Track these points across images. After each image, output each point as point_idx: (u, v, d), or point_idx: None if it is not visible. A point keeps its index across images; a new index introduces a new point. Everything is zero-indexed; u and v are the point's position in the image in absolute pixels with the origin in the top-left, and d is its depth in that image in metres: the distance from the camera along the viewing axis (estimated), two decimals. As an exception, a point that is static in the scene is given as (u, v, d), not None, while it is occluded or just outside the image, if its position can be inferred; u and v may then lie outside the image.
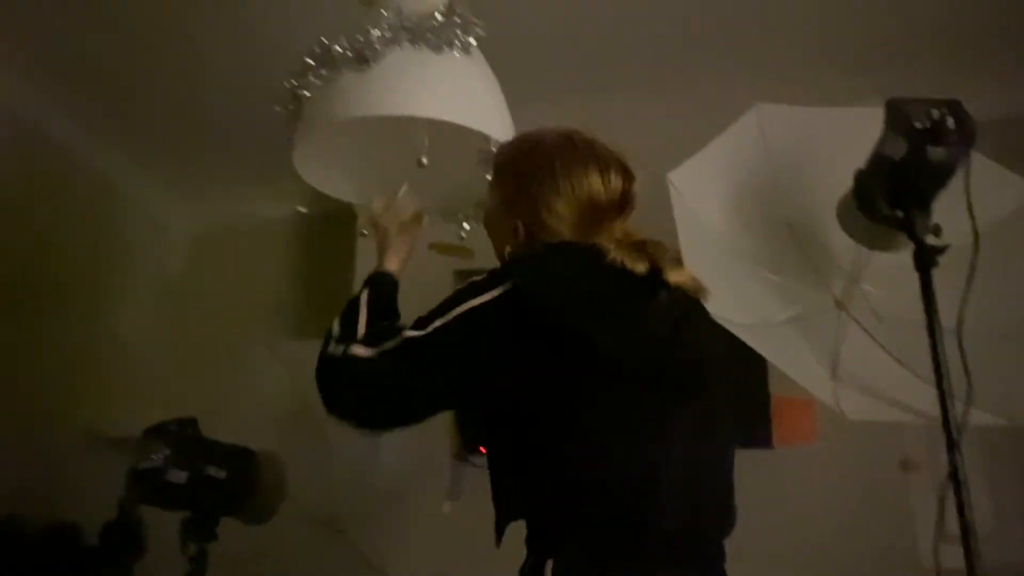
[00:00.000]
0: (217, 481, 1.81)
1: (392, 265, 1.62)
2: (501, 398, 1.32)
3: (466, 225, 1.91)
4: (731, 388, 1.51)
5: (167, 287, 4.06)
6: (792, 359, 1.68)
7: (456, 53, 1.70)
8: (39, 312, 3.31)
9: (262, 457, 1.93)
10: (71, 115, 3.48)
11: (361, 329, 1.39)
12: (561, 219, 1.44)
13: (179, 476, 1.74)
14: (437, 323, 1.29)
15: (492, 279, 1.33)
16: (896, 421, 1.69)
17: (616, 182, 1.48)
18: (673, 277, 1.39)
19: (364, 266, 3.44)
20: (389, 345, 1.30)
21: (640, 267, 1.38)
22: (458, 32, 1.70)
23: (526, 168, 1.50)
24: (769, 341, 1.68)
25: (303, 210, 1.80)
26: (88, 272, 3.62)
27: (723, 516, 1.40)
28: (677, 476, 1.31)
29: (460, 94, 1.71)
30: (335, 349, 1.36)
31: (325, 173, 1.92)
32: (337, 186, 1.96)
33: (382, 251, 1.65)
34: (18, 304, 3.20)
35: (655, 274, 1.38)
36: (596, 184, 1.47)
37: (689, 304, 1.42)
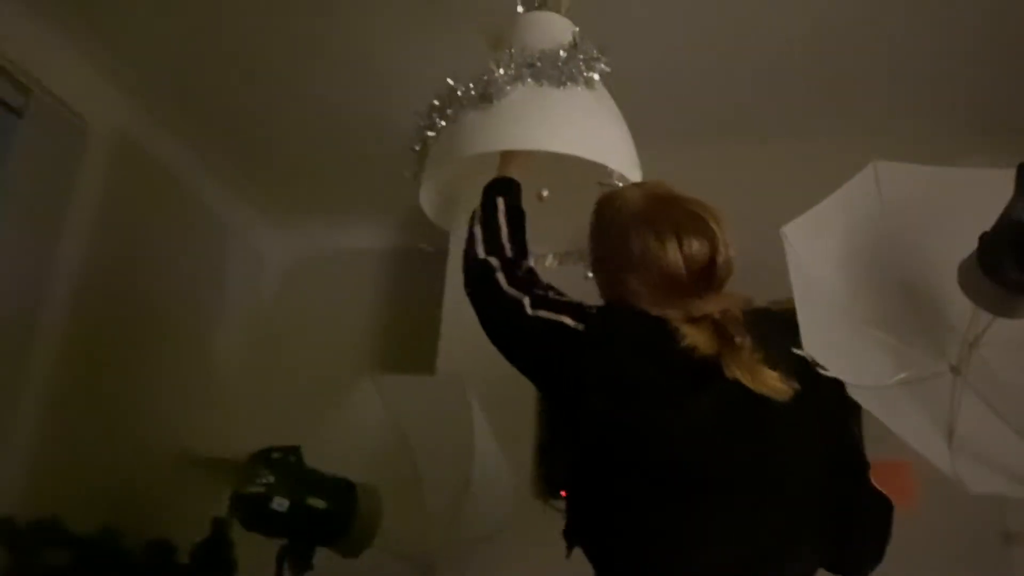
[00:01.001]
0: (317, 511, 1.83)
1: (515, 172, 1.66)
2: (555, 406, 1.50)
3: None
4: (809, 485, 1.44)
5: (261, 315, 4.16)
6: (906, 423, 1.63)
7: (580, 88, 1.71)
8: (142, 333, 3.42)
9: (361, 490, 1.95)
10: (178, 140, 3.62)
11: (507, 246, 1.53)
12: (637, 295, 1.43)
13: (281, 504, 1.77)
14: (542, 313, 1.39)
15: (587, 314, 1.39)
16: (1021, 497, 1.62)
17: (699, 252, 1.45)
18: (739, 375, 1.35)
19: (453, 300, 3.49)
20: (513, 293, 1.44)
21: (708, 349, 1.36)
22: (581, 67, 1.71)
23: (604, 243, 1.51)
24: (881, 403, 1.64)
25: (427, 248, 1.84)
26: (189, 296, 3.74)
27: None
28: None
29: (583, 128, 1.71)
30: (484, 255, 1.52)
31: (445, 209, 1.95)
32: (456, 222, 1.99)
33: (507, 158, 1.69)
34: (122, 324, 3.31)
35: (716, 365, 1.35)
36: (672, 257, 1.44)
37: (746, 404, 1.35)
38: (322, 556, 1.95)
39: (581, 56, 1.70)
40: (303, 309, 4.09)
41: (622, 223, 1.47)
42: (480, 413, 2.26)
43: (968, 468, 1.57)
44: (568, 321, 1.36)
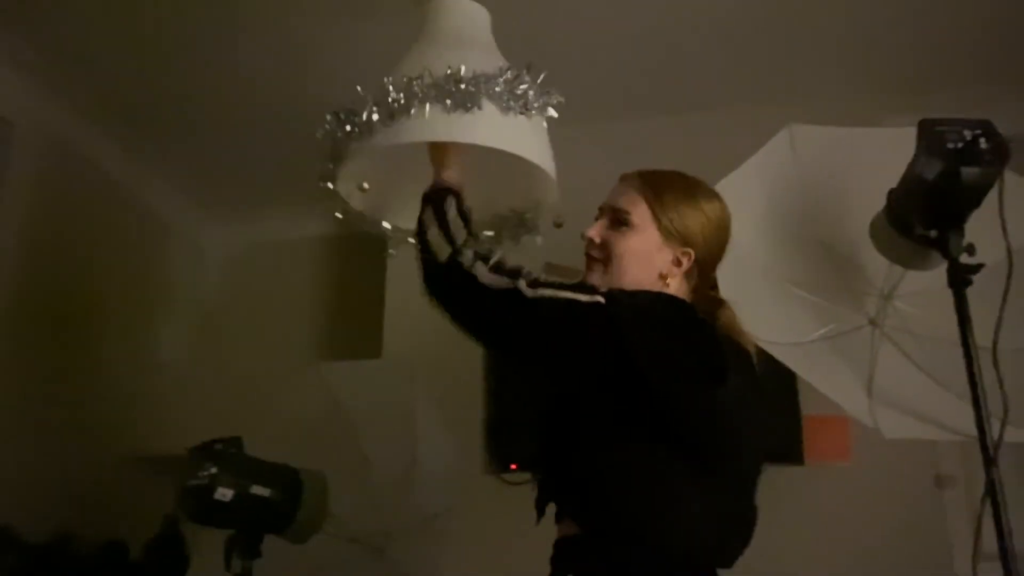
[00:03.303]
0: (263, 499, 1.84)
1: (454, 177, 1.56)
2: (570, 382, 1.39)
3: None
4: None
5: (204, 308, 4.13)
6: (826, 377, 1.69)
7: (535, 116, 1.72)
8: (82, 334, 3.38)
9: (305, 476, 1.97)
10: (107, 139, 3.56)
11: (470, 242, 1.42)
12: (679, 278, 1.46)
13: (226, 494, 1.78)
14: (545, 292, 1.33)
15: (592, 290, 1.36)
16: (931, 438, 1.70)
17: None
18: (752, 351, 1.42)
19: (395, 286, 3.50)
20: (500, 283, 1.35)
21: (736, 328, 1.42)
22: (536, 98, 1.71)
23: (690, 221, 1.47)
24: (803, 359, 1.70)
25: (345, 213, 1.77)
26: (129, 294, 3.69)
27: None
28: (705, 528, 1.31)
29: (540, 145, 1.71)
30: (449, 257, 1.40)
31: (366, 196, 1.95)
32: (376, 208, 1.99)
33: (440, 162, 1.58)
34: (62, 327, 3.27)
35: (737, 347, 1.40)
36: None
37: (749, 389, 1.39)
38: (273, 544, 1.96)
39: (532, 89, 1.69)
40: (247, 300, 4.05)
41: (714, 207, 1.49)
42: (423, 393, 2.29)
43: (885, 415, 1.64)
44: (581, 297, 1.32)
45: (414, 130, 1.64)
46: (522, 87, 1.69)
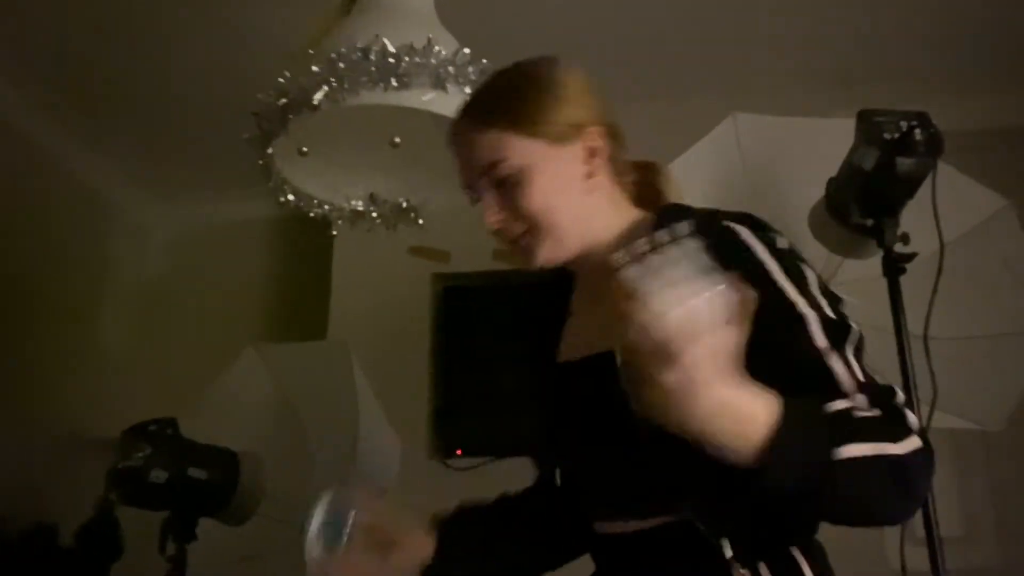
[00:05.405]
0: (198, 481, 1.81)
1: None
2: None
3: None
4: None
5: (146, 290, 4.05)
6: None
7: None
8: (19, 315, 3.29)
9: (243, 458, 1.94)
10: (49, 118, 3.47)
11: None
12: (609, 169, 1.35)
13: (160, 476, 1.74)
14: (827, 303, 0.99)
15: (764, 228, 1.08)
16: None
17: None
18: None
19: (341, 268, 3.47)
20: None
21: None
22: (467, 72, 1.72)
23: (597, 112, 1.22)
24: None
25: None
26: (68, 275, 3.61)
27: None
28: None
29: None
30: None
31: (302, 172, 1.95)
32: (311, 184, 1.99)
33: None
34: (-2, 306, 3.19)
35: None
36: None
37: None
38: (209, 527, 1.93)
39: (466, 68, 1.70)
40: (190, 282, 3.98)
41: (567, 76, 1.27)
42: (363, 377, 2.27)
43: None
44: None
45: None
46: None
